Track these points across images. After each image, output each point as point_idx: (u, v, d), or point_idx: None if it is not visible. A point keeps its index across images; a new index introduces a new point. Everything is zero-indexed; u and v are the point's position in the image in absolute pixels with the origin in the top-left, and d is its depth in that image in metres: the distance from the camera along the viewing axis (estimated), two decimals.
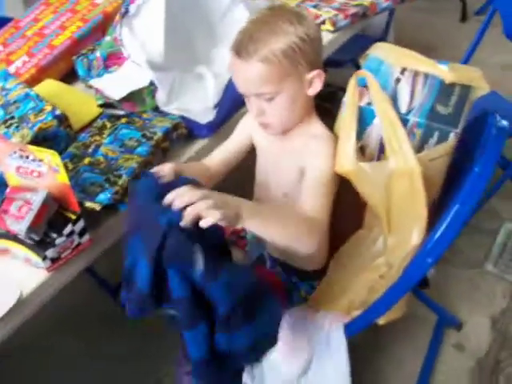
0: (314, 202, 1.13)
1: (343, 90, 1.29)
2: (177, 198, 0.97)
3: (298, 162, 1.21)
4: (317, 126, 1.23)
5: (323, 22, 1.73)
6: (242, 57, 1.12)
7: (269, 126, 1.21)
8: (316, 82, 1.18)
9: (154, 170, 1.13)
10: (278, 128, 1.22)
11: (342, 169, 1.13)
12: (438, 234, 1.06)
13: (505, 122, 1.13)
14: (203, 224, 0.94)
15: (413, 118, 1.16)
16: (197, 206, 0.95)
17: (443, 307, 1.83)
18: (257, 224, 1.04)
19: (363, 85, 1.19)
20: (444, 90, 1.17)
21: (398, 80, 1.19)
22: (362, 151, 1.19)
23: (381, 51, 1.26)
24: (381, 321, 1.31)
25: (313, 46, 1.15)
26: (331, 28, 1.72)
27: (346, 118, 1.17)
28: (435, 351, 1.74)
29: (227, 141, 1.35)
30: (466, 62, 2.08)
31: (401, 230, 1.15)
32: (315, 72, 1.16)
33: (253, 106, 1.18)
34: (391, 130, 1.13)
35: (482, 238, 2.08)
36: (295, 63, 1.13)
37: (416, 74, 1.19)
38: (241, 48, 1.12)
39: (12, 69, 1.58)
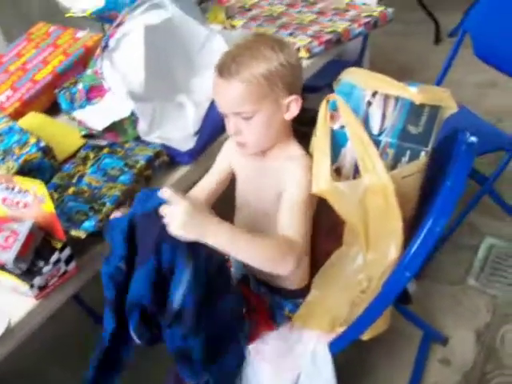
0: (291, 222, 1.17)
1: None
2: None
3: (276, 183, 1.24)
4: (294, 148, 1.28)
5: (298, 50, 1.78)
6: (223, 76, 1.18)
7: (245, 146, 1.26)
8: (293, 107, 1.23)
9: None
10: (254, 147, 1.26)
11: (318, 189, 1.17)
12: (414, 247, 1.09)
13: (474, 138, 1.18)
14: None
15: (385, 139, 1.21)
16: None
17: (428, 323, 1.86)
18: (222, 243, 1.07)
19: (334, 107, 1.24)
20: (414, 111, 1.21)
21: (369, 103, 1.24)
22: (338, 172, 1.23)
23: (352, 76, 1.31)
24: (365, 336, 1.33)
25: (292, 72, 1.21)
26: (306, 55, 1.78)
27: (319, 139, 1.21)
28: (421, 367, 1.76)
29: (210, 171, 1.40)
30: (439, 82, 2.13)
31: (378, 245, 1.19)
32: (293, 97, 1.21)
33: (231, 125, 1.23)
34: (363, 149, 1.18)
35: (464, 254, 2.12)
36: (274, 87, 1.18)
37: (387, 96, 1.23)
38: (223, 68, 1.18)
39: None
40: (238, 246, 1.09)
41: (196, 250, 1.07)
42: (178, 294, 1.08)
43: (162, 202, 1.04)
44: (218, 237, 1.06)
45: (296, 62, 1.23)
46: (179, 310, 1.09)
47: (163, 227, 1.03)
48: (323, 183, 1.16)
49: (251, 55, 1.18)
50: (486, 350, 1.79)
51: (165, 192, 1.04)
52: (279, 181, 1.23)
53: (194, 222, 1.03)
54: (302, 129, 1.39)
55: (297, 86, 1.25)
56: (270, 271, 1.16)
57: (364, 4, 2.07)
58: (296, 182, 1.20)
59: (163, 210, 1.03)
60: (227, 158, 1.38)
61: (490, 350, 1.79)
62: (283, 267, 1.13)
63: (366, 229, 1.20)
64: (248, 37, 1.25)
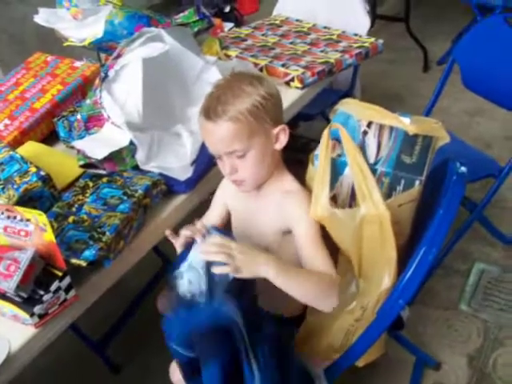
0: (319, 258, 1.21)
1: (314, 141, 1.36)
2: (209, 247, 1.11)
3: (278, 219, 1.28)
4: (289, 181, 1.31)
5: (292, 80, 1.82)
6: (211, 119, 1.21)
7: (242, 183, 1.29)
8: (281, 136, 1.26)
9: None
10: (252, 184, 1.29)
11: (316, 214, 1.20)
12: (408, 276, 1.12)
13: (464, 169, 1.22)
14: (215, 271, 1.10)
15: (380, 168, 1.24)
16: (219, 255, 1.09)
17: (421, 348, 1.87)
18: (282, 280, 1.13)
19: (336, 136, 1.27)
20: (408, 141, 1.25)
21: (365, 133, 1.27)
22: (334, 200, 1.26)
23: (348, 106, 1.35)
24: (360, 363, 1.35)
25: (274, 103, 1.25)
26: (300, 85, 1.81)
27: (320, 168, 1.24)
28: None
29: (211, 206, 1.44)
30: (429, 110, 2.18)
31: (371, 274, 1.21)
32: (280, 127, 1.25)
33: (226, 165, 1.25)
34: (362, 177, 1.20)
35: (456, 279, 2.14)
36: (261, 120, 1.22)
37: (381, 127, 1.27)
38: (209, 111, 1.21)
39: None
40: (283, 278, 1.13)
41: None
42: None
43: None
44: (270, 270, 1.11)
45: (276, 92, 1.27)
46: None
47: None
48: (321, 209, 1.19)
49: (233, 94, 1.21)
50: (479, 374, 1.81)
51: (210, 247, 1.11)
52: (281, 217, 1.26)
53: (248, 258, 1.10)
54: (298, 156, 1.42)
55: (280, 116, 1.29)
56: (316, 305, 1.21)
57: (355, 35, 2.12)
58: (303, 218, 1.23)
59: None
60: (223, 202, 1.42)
61: (482, 374, 1.80)
62: (328, 303, 1.18)
63: (359, 257, 1.22)
64: (226, 77, 1.30)
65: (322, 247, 1.22)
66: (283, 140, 1.27)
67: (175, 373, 1.45)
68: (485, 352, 1.87)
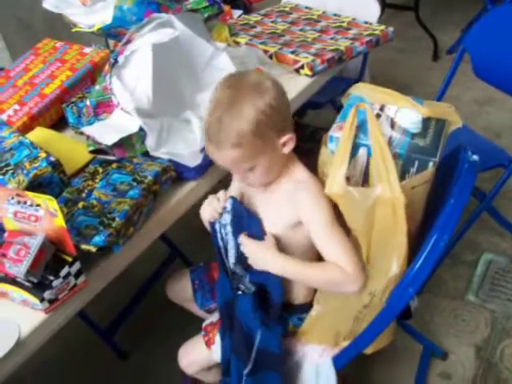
0: (335, 247, 1.21)
1: (322, 129, 1.35)
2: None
3: (288, 210, 1.26)
4: (301, 171, 1.30)
5: (302, 67, 1.81)
6: (213, 143, 1.20)
7: (253, 185, 1.30)
8: (289, 143, 1.24)
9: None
10: (262, 185, 1.31)
11: (331, 191, 1.18)
12: (418, 264, 1.12)
13: (475, 157, 1.21)
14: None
15: (394, 150, 1.23)
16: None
17: (428, 337, 1.87)
18: (277, 271, 1.26)
19: (362, 116, 1.25)
20: (421, 124, 1.25)
21: (378, 116, 1.27)
22: (347, 180, 1.25)
23: (360, 90, 1.35)
24: (368, 350, 1.35)
25: (278, 113, 1.20)
26: (309, 73, 1.80)
27: (341, 146, 1.22)
28: (422, 381, 1.78)
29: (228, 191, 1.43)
30: (439, 99, 2.16)
31: (380, 259, 1.20)
32: (287, 137, 1.23)
33: (235, 174, 1.28)
34: (381, 158, 1.18)
35: (464, 269, 2.14)
36: (265, 138, 1.19)
37: (394, 110, 1.27)
38: (211, 135, 1.20)
39: (4, 117, 1.62)
40: (289, 274, 1.27)
41: None
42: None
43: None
44: (273, 267, 1.26)
45: (279, 100, 1.21)
46: None
47: None
48: (336, 186, 1.17)
49: (233, 112, 1.17)
50: (486, 364, 1.81)
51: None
52: (293, 207, 1.25)
53: (260, 257, 1.26)
54: (306, 145, 1.41)
55: (287, 124, 1.25)
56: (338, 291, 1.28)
57: (365, 22, 2.10)
58: (315, 208, 1.22)
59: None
60: (237, 185, 1.41)
61: (489, 364, 1.81)
62: (350, 289, 1.21)
63: (369, 241, 1.21)
64: (225, 90, 1.22)
65: (336, 235, 1.21)
66: (290, 145, 1.25)
67: (184, 358, 1.46)
68: (492, 342, 1.87)
